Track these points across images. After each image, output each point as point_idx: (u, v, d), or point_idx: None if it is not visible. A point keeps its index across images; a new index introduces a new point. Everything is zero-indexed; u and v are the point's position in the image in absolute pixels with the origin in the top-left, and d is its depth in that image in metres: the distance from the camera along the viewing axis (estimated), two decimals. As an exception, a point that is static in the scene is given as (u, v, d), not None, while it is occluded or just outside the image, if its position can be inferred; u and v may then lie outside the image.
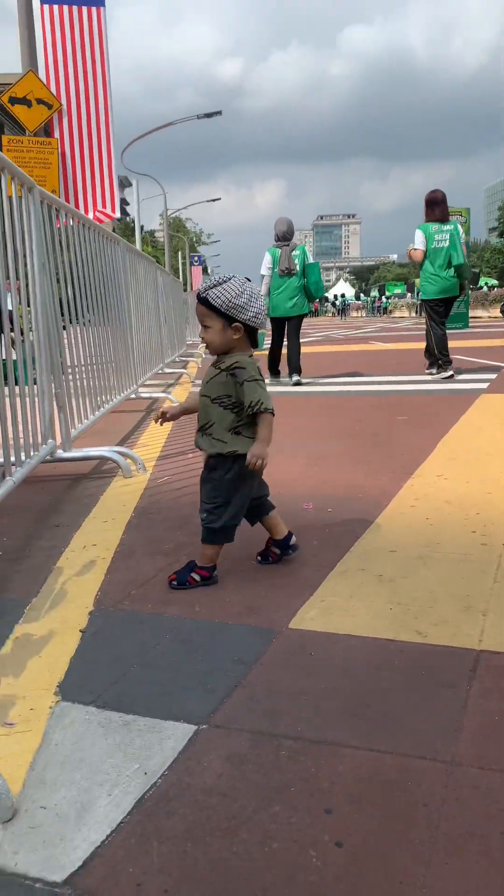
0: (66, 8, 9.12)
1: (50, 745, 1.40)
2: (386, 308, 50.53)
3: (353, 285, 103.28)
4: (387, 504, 2.92)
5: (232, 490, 2.16)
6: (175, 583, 2.17)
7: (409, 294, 51.91)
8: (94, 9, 9.24)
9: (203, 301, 2.07)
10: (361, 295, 70.38)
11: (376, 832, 1.13)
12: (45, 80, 8.96)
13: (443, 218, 7.31)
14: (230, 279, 2.08)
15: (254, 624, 1.89)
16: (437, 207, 7.31)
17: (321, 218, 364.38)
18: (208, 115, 27.68)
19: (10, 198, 3.03)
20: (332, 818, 1.16)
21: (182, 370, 9.62)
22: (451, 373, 7.37)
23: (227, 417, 2.13)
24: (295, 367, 7.78)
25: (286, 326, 7.82)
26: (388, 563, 2.27)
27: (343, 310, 53.92)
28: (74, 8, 9.15)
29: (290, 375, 7.78)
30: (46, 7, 9.04)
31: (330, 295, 68.34)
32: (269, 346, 8.25)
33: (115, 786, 1.27)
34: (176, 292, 12.58)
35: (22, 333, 3.32)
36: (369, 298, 61.81)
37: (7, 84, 9.18)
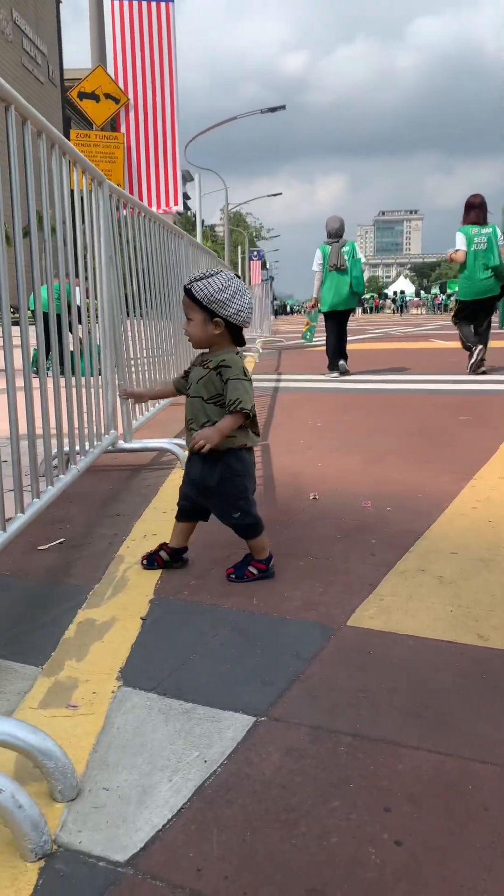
0: (135, 3, 9.23)
1: (112, 729, 1.43)
2: (446, 305, 49.69)
3: (413, 282, 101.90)
4: (447, 505, 2.89)
5: (250, 482, 2.17)
6: (234, 576, 2.19)
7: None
8: (163, 4, 9.32)
9: (187, 292, 2.05)
10: (422, 292, 69.35)
11: (436, 834, 1.12)
12: (113, 75, 9.09)
13: (481, 221, 7.49)
14: (218, 273, 2.05)
15: (312, 619, 1.90)
16: (474, 211, 7.53)
17: (382, 213, 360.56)
18: (272, 110, 27.66)
19: (81, 191, 3.08)
20: (392, 817, 1.16)
21: (240, 364, 9.64)
22: (475, 359, 7.62)
23: (219, 414, 2.10)
24: (340, 358, 8.30)
25: (338, 320, 8.26)
26: (449, 565, 2.24)
27: (402, 306, 53.28)
28: (144, 3, 9.24)
29: (333, 368, 8.28)
30: (117, 3, 9.16)
31: (389, 292, 67.63)
32: (326, 340, 8.55)
33: (176, 772, 1.29)
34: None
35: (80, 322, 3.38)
36: (430, 296, 60.87)
37: (76, 79, 9.35)
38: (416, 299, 60.44)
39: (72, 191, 2.95)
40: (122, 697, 1.55)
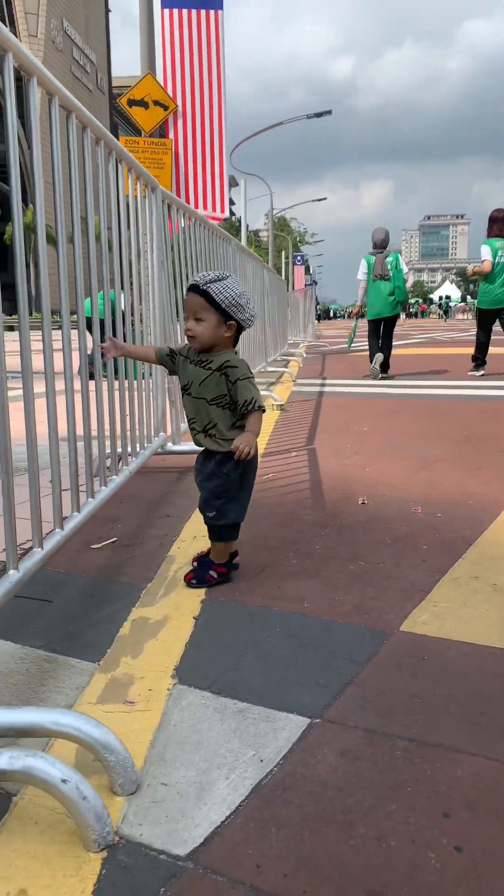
0: (185, 11, 9.33)
1: (169, 726, 1.45)
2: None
3: (458, 287, 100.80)
4: (499, 512, 2.85)
5: (240, 487, 2.14)
6: (194, 581, 2.18)
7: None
8: (212, 12, 9.41)
9: (203, 294, 2.02)
10: (468, 297, 68.52)
11: (496, 841, 1.11)
12: (162, 83, 9.20)
13: (501, 234, 8.03)
14: (229, 277, 2.06)
15: (364, 624, 1.89)
16: (496, 224, 8.07)
17: (428, 218, 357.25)
18: (318, 115, 27.64)
19: (136, 197, 3.13)
20: (451, 822, 1.16)
21: (284, 369, 9.67)
22: (481, 372, 8.42)
23: (226, 416, 2.10)
24: (385, 362, 8.60)
25: (381, 326, 8.62)
26: (503, 573, 2.22)
27: (446, 311, 52.78)
28: (193, 11, 9.35)
29: (376, 372, 8.52)
30: (167, 11, 9.27)
31: (435, 297, 66.97)
32: (369, 345, 8.85)
33: (233, 770, 1.30)
34: (280, 291, 12.65)
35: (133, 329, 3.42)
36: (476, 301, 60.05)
37: (124, 87, 9.49)
38: (462, 304, 59.73)
39: (126, 196, 3.00)
40: (177, 695, 1.57)
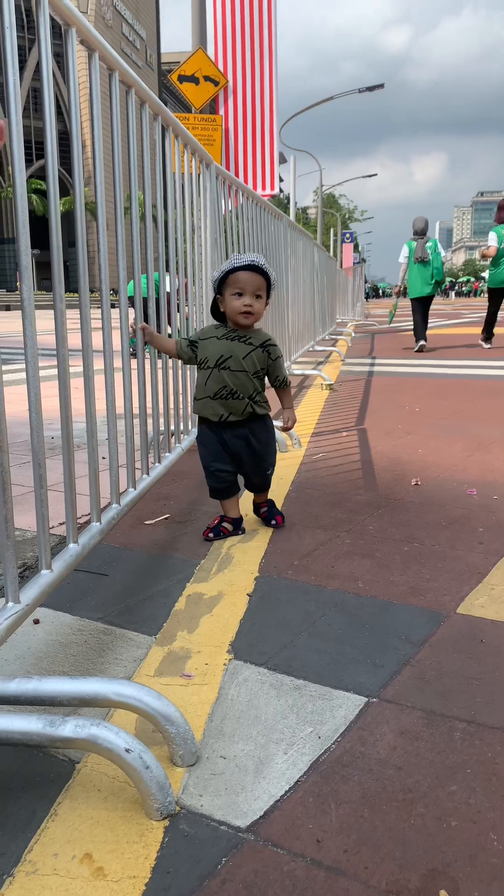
0: (237, -14, 9.22)
1: (226, 700, 1.47)
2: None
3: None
4: None
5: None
6: (275, 522, 2.53)
7: None
8: (264, -15, 9.28)
9: (265, 275, 2.25)
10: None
11: None
12: (213, 58, 9.12)
13: None
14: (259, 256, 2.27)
15: (420, 605, 1.88)
16: (502, 212, 9.12)
17: (481, 195, 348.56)
18: (370, 89, 27.11)
19: (192, 174, 3.12)
20: (513, 806, 1.14)
21: (332, 348, 9.58)
22: (489, 346, 9.63)
23: (261, 386, 2.39)
24: (422, 335, 9.57)
25: (422, 305, 9.61)
26: None
27: None
28: (246, -15, 9.23)
29: (418, 342, 9.54)
30: (218, -14, 9.18)
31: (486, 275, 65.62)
32: (413, 321, 9.87)
33: (291, 745, 1.31)
34: (330, 270, 12.50)
35: (179, 311, 3.39)
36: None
37: (173, 63, 9.46)
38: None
39: (182, 174, 2.99)
40: (233, 670, 1.58)
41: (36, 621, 1.81)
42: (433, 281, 9.56)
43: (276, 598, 1.95)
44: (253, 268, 2.21)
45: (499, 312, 9.52)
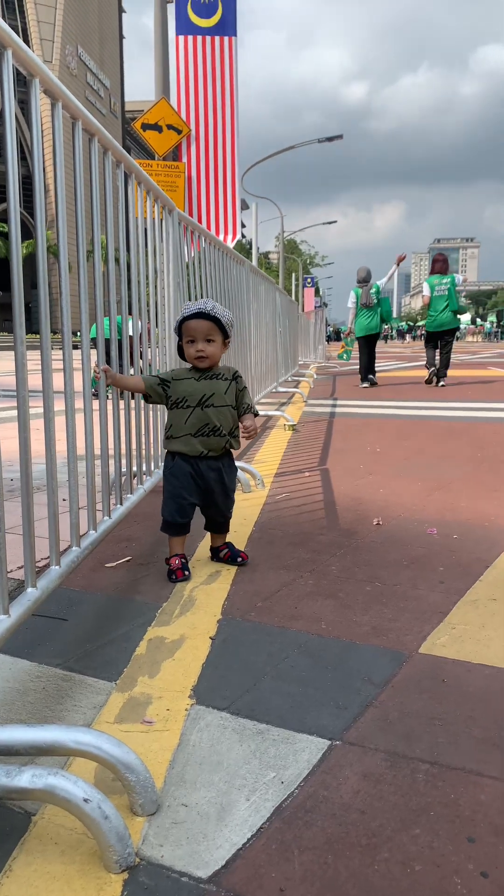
0: (199, 38, 9.50)
1: (188, 746, 1.44)
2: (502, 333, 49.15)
3: (468, 309, 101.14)
4: (515, 534, 2.84)
5: None
6: (245, 560, 2.56)
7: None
8: (226, 38, 9.58)
9: (213, 319, 2.35)
10: (478, 319, 68.66)
11: (523, 867, 1.10)
12: (176, 107, 9.34)
13: (443, 272, 10.24)
14: (214, 302, 2.40)
15: (383, 645, 1.88)
16: (436, 265, 10.37)
17: (437, 241, 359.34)
18: (329, 139, 27.90)
19: (153, 220, 3.17)
20: (476, 848, 1.14)
21: (295, 389, 9.68)
22: (430, 377, 10.65)
23: (235, 420, 2.47)
24: (371, 371, 10.88)
25: (369, 343, 10.78)
26: (520, 594, 2.20)
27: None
28: (207, 38, 9.51)
29: (366, 378, 10.76)
30: (181, 38, 9.44)
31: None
32: (359, 359, 11.03)
33: (254, 791, 1.29)
34: (292, 313, 12.71)
35: (141, 357, 3.40)
36: (487, 323, 60.25)
37: (136, 111, 9.67)
38: (472, 327, 59.95)
39: (145, 219, 3.03)
40: (195, 715, 1.56)
41: (-8, 668, 1.77)
42: (376, 322, 10.64)
43: (238, 641, 1.93)
44: (200, 315, 2.34)
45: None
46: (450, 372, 10.86)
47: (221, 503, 2.50)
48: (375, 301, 10.48)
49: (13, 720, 1.53)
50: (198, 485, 2.43)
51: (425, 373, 10.96)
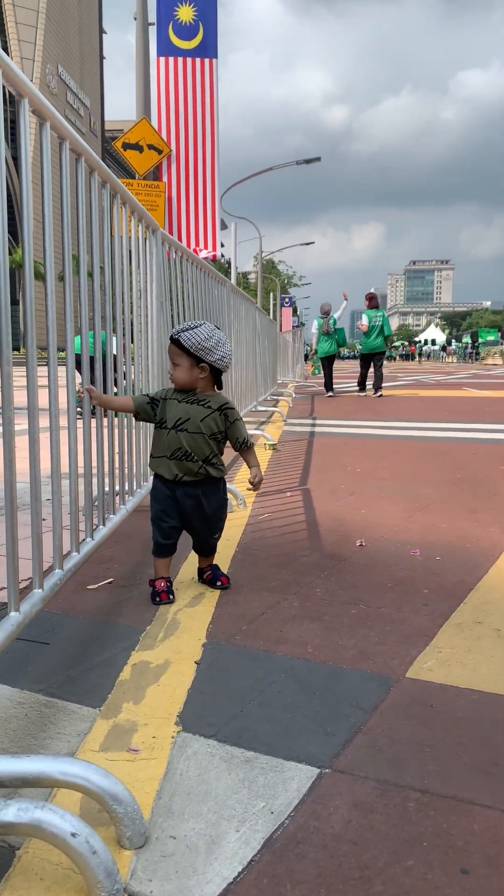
0: (180, 60, 9.60)
1: (175, 775, 1.41)
2: (478, 354, 49.94)
3: (443, 330, 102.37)
4: (498, 555, 2.85)
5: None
6: (226, 585, 2.53)
7: (502, 341, 52.63)
8: (206, 60, 9.69)
9: (175, 342, 2.31)
10: (453, 341, 69.58)
11: (519, 899, 1.08)
12: (156, 127, 9.40)
13: (376, 307, 12.77)
14: (201, 325, 2.32)
15: (370, 670, 1.87)
16: (371, 301, 12.85)
17: (413, 263, 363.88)
18: (307, 161, 28.22)
19: (138, 239, 3.16)
20: (470, 879, 1.12)
21: (274, 409, 9.70)
22: (364, 394, 13.22)
23: (218, 448, 2.42)
24: (330, 387, 13.32)
25: (328, 363, 13.37)
26: (505, 617, 2.20)
27: (421, 353, 56.57)
28: (189, 59, 9.62)
29: (329, 391, 13.18)
30: (163, 59, 9.53)
31: (421, 338, 68.69)
32: (324, 375, 13.58)
33: (243, 822, 1.26)
34: (271, 332, 12.78)
35: (125, 376, 3.38)
36: (461, 344, 61.16)
37: (117, 130, 9.72)
38: (450, 347, 61.02)
39: (129, 238, 3.03)
40: (182, 743, 1.53)
41: (-27, 695, 1.72)
42: (333, 346, 13.15)
43: (224, 666, 1.91)
44: (171, 339, 2.34)
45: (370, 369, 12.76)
46: (425, 392, 11.98)
47: (201, 529, 2.46)
48: (332, 330, 13.05)
49: (-5, 749, 1.50)
50: (177, 509, 2.40)
51: (404, 392, 11.92)
